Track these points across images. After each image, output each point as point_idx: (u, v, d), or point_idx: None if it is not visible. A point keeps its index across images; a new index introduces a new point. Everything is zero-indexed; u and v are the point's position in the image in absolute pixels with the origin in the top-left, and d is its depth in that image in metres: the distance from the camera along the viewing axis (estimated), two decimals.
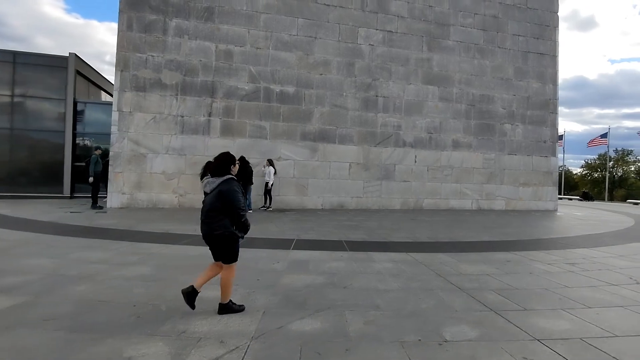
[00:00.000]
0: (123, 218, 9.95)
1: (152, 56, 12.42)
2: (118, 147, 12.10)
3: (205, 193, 3.64)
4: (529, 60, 16.22)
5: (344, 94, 14.11)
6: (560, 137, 44.39)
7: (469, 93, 15.50)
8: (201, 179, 3.76)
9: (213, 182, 3.54)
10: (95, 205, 11.52)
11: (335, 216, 11.92)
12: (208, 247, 3.67)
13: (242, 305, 3.72)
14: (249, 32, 13.22)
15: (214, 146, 12.79)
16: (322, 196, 13.84)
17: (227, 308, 3.57)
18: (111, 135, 12.20)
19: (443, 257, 6.62)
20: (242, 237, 3.62)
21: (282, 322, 3.48)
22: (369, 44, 14.38)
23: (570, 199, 34.19)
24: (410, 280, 5.03)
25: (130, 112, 12.22)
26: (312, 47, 13.81)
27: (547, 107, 16.50)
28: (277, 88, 13.46)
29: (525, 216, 13.79)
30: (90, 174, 11.47)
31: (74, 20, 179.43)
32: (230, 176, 3.58)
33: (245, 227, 3.58)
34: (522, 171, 16.11)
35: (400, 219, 11.69)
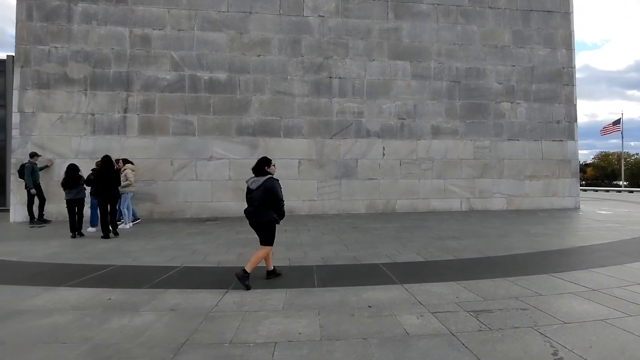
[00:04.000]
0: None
1: (56, 47, 10.80)
2: (21, 153, 10.55)
3: (249, 190, 4.59)
4: (531, 22, 12.92)
5: (289, 77, 11.73)
6: (618, 122, 36.44)
7: (452, 67, 12.50)
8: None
9: (257, 180, 4.54)
10: (34, 220, 10.00)
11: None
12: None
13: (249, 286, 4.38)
14: (169, 12, 11.27)
15: (131, 147, 10.95)
16: None
17: (242, 277, 4.41)
18: (12, 140, 10.70)
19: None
20: (278, 222, 4.64)
21: None
22: (319, 16, 11.91)
23: (585, 190, 29.71)
24: None
25: (33, 112, 10.66)
26: (247, 24, 11.59)
27: (560, 78, 13.05)
28: (205, 75, 11.37)
29: (526, 217, 10.58)
30: (29, 185, 9.98)
31: None
32: (271, 175, 4.61)
33: (282, 215, 4.67)
34: (528, 160, 12.77)
35: (344, 228, 9.11)
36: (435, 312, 3.67)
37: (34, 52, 10.72)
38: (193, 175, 11.23)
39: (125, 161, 9.61)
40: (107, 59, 10.99)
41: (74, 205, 8.20)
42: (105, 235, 7.85)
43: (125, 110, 11.02)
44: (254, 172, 4.66)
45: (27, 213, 10.35)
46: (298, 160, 11.68)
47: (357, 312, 3.69)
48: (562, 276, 4.85)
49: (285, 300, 4.03)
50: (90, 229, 8.72)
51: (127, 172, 9.17)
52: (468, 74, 12.53)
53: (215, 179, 11.30)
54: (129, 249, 6.84)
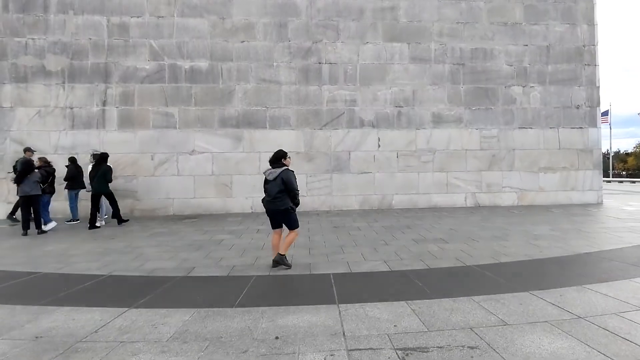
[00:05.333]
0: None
1: (33, 39, 10.45)
2: (0, 149, 10.32)
3: (267, 180, 4.99)
4: None
5: (275, 64, 10.93)
6: (605, 114, 37.20)
7: (455, 48, 11.31)
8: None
9: (275, 172, 4.92)
10: (12, 217, 9.65)
11: (252, 223, 8.88)
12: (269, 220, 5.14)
13: (290, 264, 5.08)
14: None
15: (111, 142, 10.52)
16: (251, 197, 10.82)
17: (281, 259, 4.99)
18: None
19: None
20: (294, 210, 5.05)
21: None
22: None
23: (621, 181, 27.41)
24: None
25: (11, 107, 10.38)
26: (229, 8, 10.85)
27: (580, 58, 11.60)
28: (185, 64, 10.75)
29: (536, 214, 9.39)
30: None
31: None
32: (287, 167, 5.00)
33: (298, 204, 5.08)
34: (543, 150, 11.46)
35: (323, 228, 8.32)
36: (353, 350, 2.84)
37: (11, 45, 10.41)
38: (175, 170, 10.69)
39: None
40: (85, 49, 10.55)
41: (29, 202, 7.82)
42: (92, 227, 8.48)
43: (104, 103, 10.57)
44: (270, 164, 5.07)
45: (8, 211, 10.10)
46: None
47: (254, 347, 2.91)
48: (545, 295, 3.89)
49: (181, 326, 3.30)
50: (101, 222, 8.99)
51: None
52: (473, 55, 11.31)
53: (198, 174, 10.71)
54: (75, 252, 6.31)
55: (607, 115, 42.17)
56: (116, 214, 9.11)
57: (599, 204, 11.39)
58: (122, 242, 7.05)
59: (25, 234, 7.84)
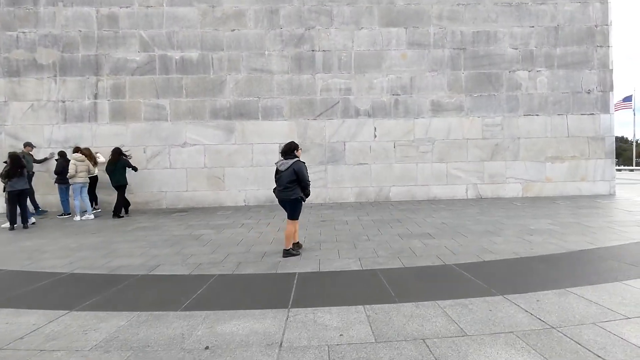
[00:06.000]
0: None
1: (24, 33, 10.38)
2: None
3: (278, 170, 5.21)
4: None
5: (267, 52, 10.58)
6: (629, 99, 36.14)
7: (456, 32, 10.72)
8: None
9: (286, 162, 5.14)
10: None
11: (240, 217, 8.68)
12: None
13: (300, 252, 5.35)
14: None
15: (103, 135, 10.45)
16: (244, 189, 10.61)
17: (288, 251, 5.23)
18: None
19: None
20: (304, 200, 5.31)
21: None
22: None
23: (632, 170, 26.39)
24: None
25: (5, 101, 10.39)
26: None
27: (592, 39, 10.84)
28: (176, 55, 10.52)
29: (540, 206, 8.86)
30: None
31: None
32: (298, 158, 5.20)
33: (308, 194, 5.29)
34: (550, 139, 10.83)
35: (310, 222, 8.05)
36: None
37: (3, 39, 10.37)
38: (167, 163, 10.55)
39: (76, 150, 9.10)
40: (75, 42, 10.43)
41: (19, 197, 7.79)
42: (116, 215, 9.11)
43: (96, 96, 10.46)
44: (282, 155, 5.28)
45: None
46: (278, 145, 10.54)
47: (177, 359, 2.66)
48: (521, 300, 3.53)
49: (113, 332, 3.09)
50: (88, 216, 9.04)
51: (71, 162, 8.61)
52: (475, 39, 10.70)
53: (190, 166, 10.55)
54: (50, 247, 6.22)
55: (631, 100, 40.39)
56: (119, 208, 9.23)
57: (611, 195, 10.73)
58: (101, 238, 6.93)
59: (12, 228, 7.83)
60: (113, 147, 9.44)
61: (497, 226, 6.97)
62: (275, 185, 5.33)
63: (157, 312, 3.49)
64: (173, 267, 4.95)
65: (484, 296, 3.67)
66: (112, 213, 9.23)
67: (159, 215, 9.42)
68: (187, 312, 3.47)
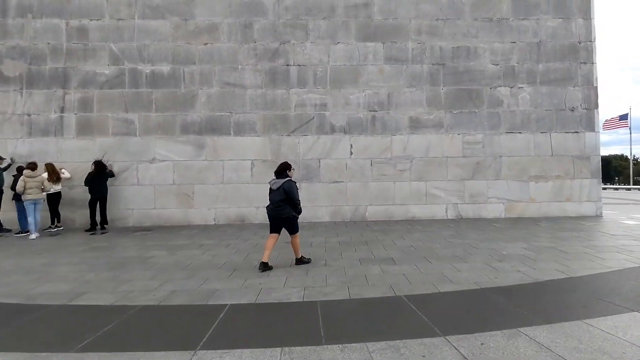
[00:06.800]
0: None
1: None
2: None
3: (271, 190, 5.52)
4: None
5: (240, 66, 10.30)
6: (625, 117, 37.48)
7: (435, 47, 10.46)
8: None
9: (278, 182, 5.45)
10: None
11: (203, 237, 8.21)
12: (269, 224, 5.56)
13: (310, 258, 5.88)
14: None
15: (69, 150, 10.08)
16: (214, 207, 10.17)
17: (300, 260, 5.69)
18: None
19: None
20: (297, 218, 5.58)
21: None
22: None
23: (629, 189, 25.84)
24: None
25: None
26: (193, 8, 10.31)
27: (575, 55, 10.57)
28: (146, 68, 10.23)
29: (520, 228, 8.39)
30: None
31: None
32: (289, 178, 5.53)
33: (299, 212, 5.61)
34: (534, 157, 10.44)
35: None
36: None
37: None
38: (135, 179, 10.14)
39: (26, 167, 8.71)
40: (43, 54, 10.16)
41: None
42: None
43: (62, 110, 10.13)
44: (275, 175, 5.62)
45: None
46: (251, 162, 10.23)
47: None
48: (464, 343, 3.06)
49: None
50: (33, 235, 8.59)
51: (20, 178, 8.22)
52: (455, 54, 10.43)
53: (158, 183, 10.13)
54: None
55: (627, 119, 40.47)
56: (105, 219, 9.57)
57: (597, 216, 10.27)
58: (44, 259, 6.47)
59: None
60: (94, 160, 9.57)
61: (468, 250, 6.51)
62: (268, 203, 5.59)
63: (44, 354, 3.01)
64: (98, 296, 4.48)
65: (424, 337, 3.19)
66: (100, 227, 9.47)
67: (122, 234, 8.96)
68: (78, 355, 3.00)
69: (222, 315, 3.82)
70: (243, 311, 3.94)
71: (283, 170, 5.57)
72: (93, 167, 9.41)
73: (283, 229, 5.59)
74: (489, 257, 5.97)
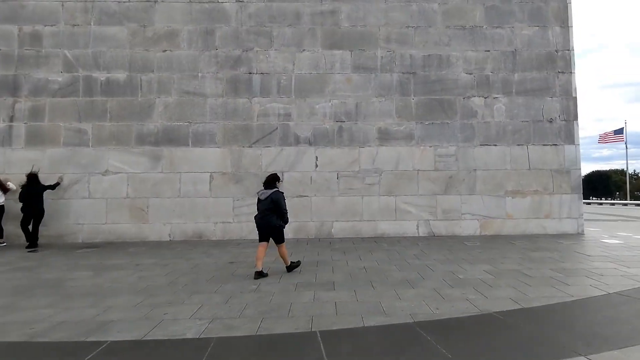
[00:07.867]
0: None
1: None
2: None
3: (259, 200, 5.76)
4: None
5: (200, 74, 9.82)
6: (620, 132, 37.91)
7: (405, 55, 9.99)
8: None
9: (266, 192, 5.69)
10: None
11: (146, 255, 7.56)
12: (258, 233, 5.81)
13: (299, 260, 6.30)
14: (62, 5, 9.83)
15: (17, 161, 9.52)
16: (170, 222, 9.55)
17: (290, 267, 5.97)
18: None
19: None
20: (284, 227, 5.83)
21: None
22: (237, 1, 9.96)
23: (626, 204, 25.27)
24: None
25: None
26: (152, 15, 9.88)
27: (553, 65, 10.08)
28: (101, 76, 9.75)
29: (491, 248, 7.74)
30: None
31: None
32: (277, 189, 5.80)
33: (286, 222, 5.84)
34: (510, 171, 9.85)
35: (216, 265, 6.94)
36: None
37: None
38: (86, 192, 9.55)
39: None
40: None
41: None
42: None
43: (12, 119, 9.62)
44: (264, 186, 5.86)
45: None
46: (209, 174, 9.65)
47: None
48: None
49: None
50: None
51: None
52: (426, 63, 9.95)
53: (111, 196, 9.53)
54: None
55: (622, 133, 40.16)
56: (36, 237, 8.94)
57: (578, 234, 9.62)
58: None
59: None
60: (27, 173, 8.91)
61: (423, 273, 5.85)
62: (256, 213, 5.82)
63: None
64: None
65: None
66: (28, 245, 8.80)
67: (62, 251, 8.31)
68: None
69: (89, 356, 3.17)
70: (118, 351, 3.29)
71: (272, 180, 5.86)
72: (26, 180, 8.86)
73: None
74: (441, 282, 5.32)
